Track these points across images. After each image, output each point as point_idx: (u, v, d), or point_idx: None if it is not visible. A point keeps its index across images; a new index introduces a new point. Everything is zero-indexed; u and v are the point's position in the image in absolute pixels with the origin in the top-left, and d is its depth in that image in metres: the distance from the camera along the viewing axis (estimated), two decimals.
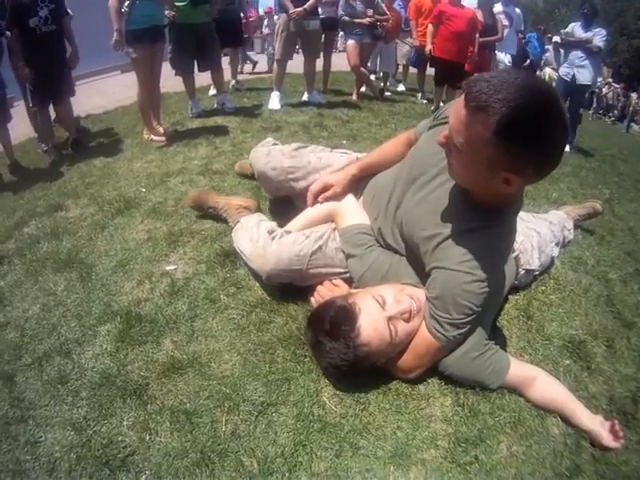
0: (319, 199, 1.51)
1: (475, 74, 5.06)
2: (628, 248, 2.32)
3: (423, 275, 1.24)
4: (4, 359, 1.38)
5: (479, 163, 0.97)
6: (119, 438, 1.11)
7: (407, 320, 1.17)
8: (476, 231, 1.12)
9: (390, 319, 1.14)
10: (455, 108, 0.97)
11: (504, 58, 5.34)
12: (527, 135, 0.89)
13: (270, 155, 1.65)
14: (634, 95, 12.63)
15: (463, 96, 0.94)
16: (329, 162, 1.64)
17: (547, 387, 1.23)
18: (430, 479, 1.04)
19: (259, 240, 1.45)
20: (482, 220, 1.12)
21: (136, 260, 1.74)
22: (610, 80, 13.10)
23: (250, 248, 1.47)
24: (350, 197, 1.52)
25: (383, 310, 1.15)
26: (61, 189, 2.58)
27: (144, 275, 1.65)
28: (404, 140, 1.49)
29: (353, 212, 1.47)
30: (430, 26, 4.58)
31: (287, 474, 1.03)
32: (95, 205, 2.23)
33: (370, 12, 4.48)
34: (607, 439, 1.14)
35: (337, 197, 1.50)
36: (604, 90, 12.30)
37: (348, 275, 1.41)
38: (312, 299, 1.41)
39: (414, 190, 1.27)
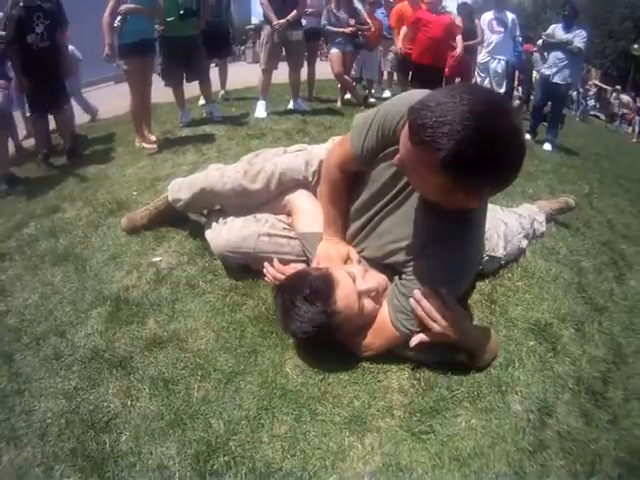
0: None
1: (456, 79, 5.26)
2: (604, 239, 2.37)
3: (387, 272, 1.33)
4: (4, 341, 1.53)
5: (433, 187, 0.99)
6: (104, 404, 1.25)
7: (373, 298, 1.27)
8: (450, 239, 1.15)
9: (360, 294, 1.23)
10: (403, 138, 0.96)
11: (497, 65, 5.31)
12: (476, 165, 0.87)
13: (225, 176, 1.61)
14: (624, 96, 12.84)
15: (408, 126, 0.91)
16: (288, 166, 1.59)
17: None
18: (385, 446, 1.12)
19: (216, 227, 1.63)
20: (453, 224, 1.14)
21: (126, 254, 1.91)
22: (596, 82, 13.32)
23: (210, 232, 1.66)
24: (305, 193, 1.58)
25: (355, 285, 1.23)
26: (58, 193, 2.75)
27: (133, 266, 1.82)
28: (340, 178, 1.38)
29: (312, 215, 1.52)
30: (404, 28, 4.68)
31: (250, 435, 1.14)
32: (90, 207, 2.40)
33: (352, 22, 4.65)
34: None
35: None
36: (591, 90, 12.50)
37: (299, 259, 1.52)
38: (267, 279, 1.47)
39: (384, 203, 1.30)
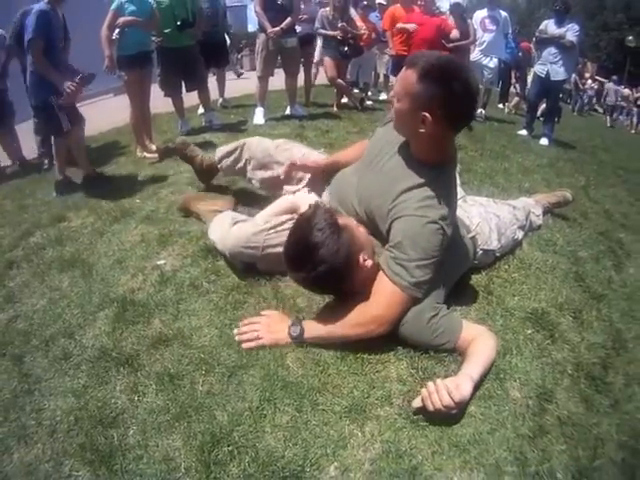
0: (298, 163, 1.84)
1: None
2: (602, 228, 2.39)
3: (382, 241, 1.42)
4: (14, 344, 1.57)
5: (407, 104, 1.30)
6: (112, 400, 1.28)
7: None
8: (424, 185, 1.34)
9: (357, 227, 1.38)
10: (398, 77, 1.36)
11: (489, 62, 5.40)
12: (439, 81, 1.24)
13: (262, 141, 2.10)
14: (625, 90, 12.86)
15: (404, 63, 1.33)
16: (309, 155, 1.97)
17: (475, 346, 1.29)
18: (385, 433, 1.14)
19: (225, 225, 1.72)
20: (427, 175, 1.35)
21: (131, 258, 1.96)
22: (597, 77, 13.34)
23: (218, 233, 1.73)
24: (312, 195, 1.74)
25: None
26: (63, 203, 2.80)
27: (138, 269, 1.87)
28: (362, 146, 1.72)
29: None
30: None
31: (253, 425, 1.16)
32: (94, 215, 2.46)
33: (340, 25, 4.63)
34: (444, 398, 1.11)
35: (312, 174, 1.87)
36: (588, 83, 12.52)
37: None
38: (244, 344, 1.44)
39: (369, 170, 1.51)
